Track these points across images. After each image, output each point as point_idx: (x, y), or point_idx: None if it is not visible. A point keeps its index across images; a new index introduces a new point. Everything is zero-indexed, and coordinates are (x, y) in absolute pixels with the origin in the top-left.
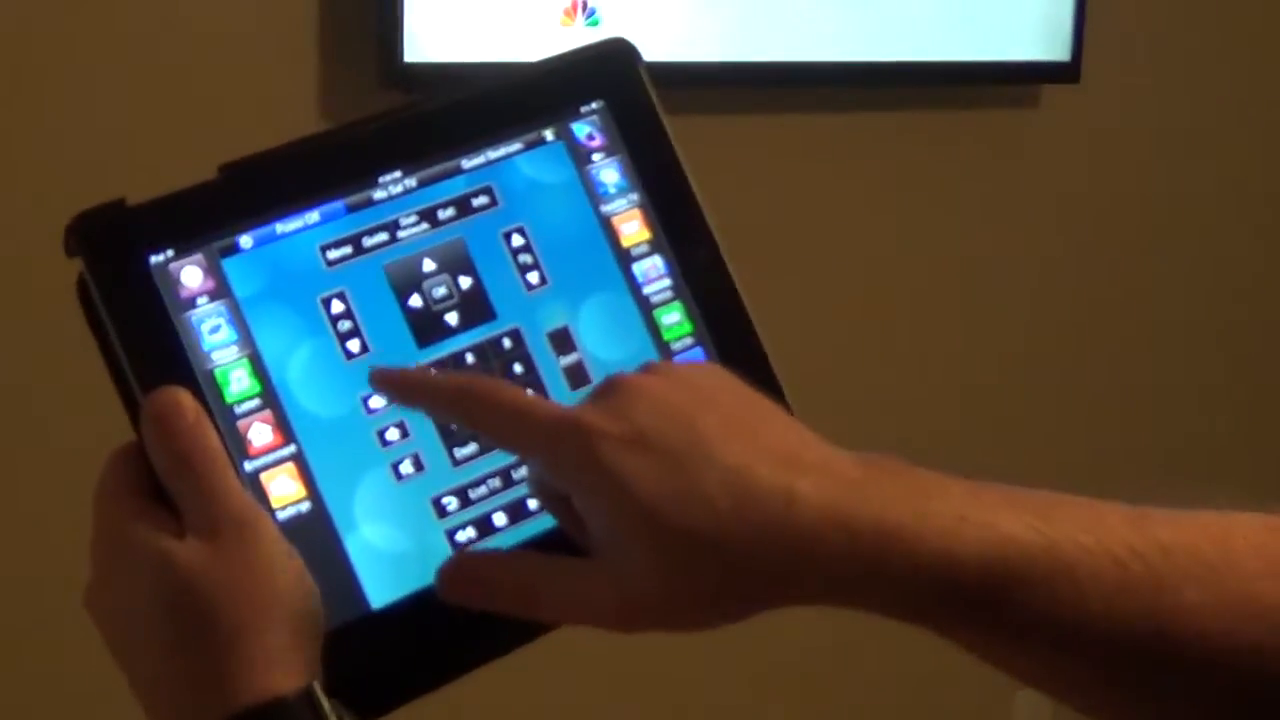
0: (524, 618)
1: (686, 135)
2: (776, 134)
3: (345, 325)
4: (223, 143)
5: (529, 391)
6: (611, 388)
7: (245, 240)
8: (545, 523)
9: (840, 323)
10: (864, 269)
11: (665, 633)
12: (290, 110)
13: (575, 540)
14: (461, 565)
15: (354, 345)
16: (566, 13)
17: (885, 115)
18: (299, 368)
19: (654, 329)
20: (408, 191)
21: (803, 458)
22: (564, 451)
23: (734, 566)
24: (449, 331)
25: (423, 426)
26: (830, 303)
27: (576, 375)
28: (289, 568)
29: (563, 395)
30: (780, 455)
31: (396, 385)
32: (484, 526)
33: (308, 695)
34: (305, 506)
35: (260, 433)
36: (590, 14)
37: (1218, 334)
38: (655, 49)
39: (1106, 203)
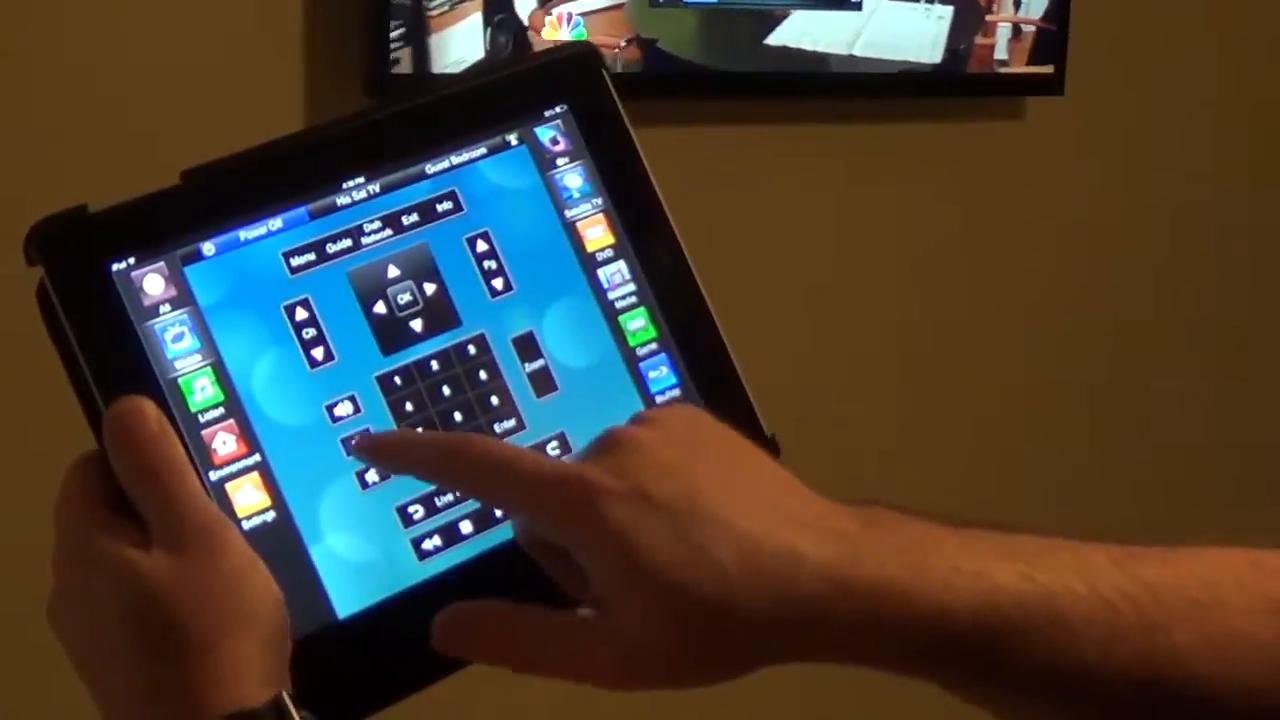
0: (520, 672)
1: (671, 145)
2: (759, 144)
3: (309, 333)
4: (208, 151)
5: (521, 446)
6: (607, 444)
7: (208, 247)
8: (511, 531)
9: (822, 333)
10: (848, 279)
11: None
12: (275, 120)
13: (567, 592)
14: (458, 617)
15: (318, 353)
16: (551, 25)
17: (871, 127)
18: (263, 376)
19: (619, 334)
20: (371, 197)
21: (801, 515)
22: (566, 508)
23: (741, 629)
24: (414, 338)
25: None
26: (813, 313)
27: (541, 381)
28: (256, 578)
29: (528, 401)
30: (780, 513)
31: (382, 452)
32: (450, 535)
33: (276, 705)
34: (270, 516)
35: (224, 442)
36: (575, 25)
37: (1206, 342)
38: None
39: (1092, 214)
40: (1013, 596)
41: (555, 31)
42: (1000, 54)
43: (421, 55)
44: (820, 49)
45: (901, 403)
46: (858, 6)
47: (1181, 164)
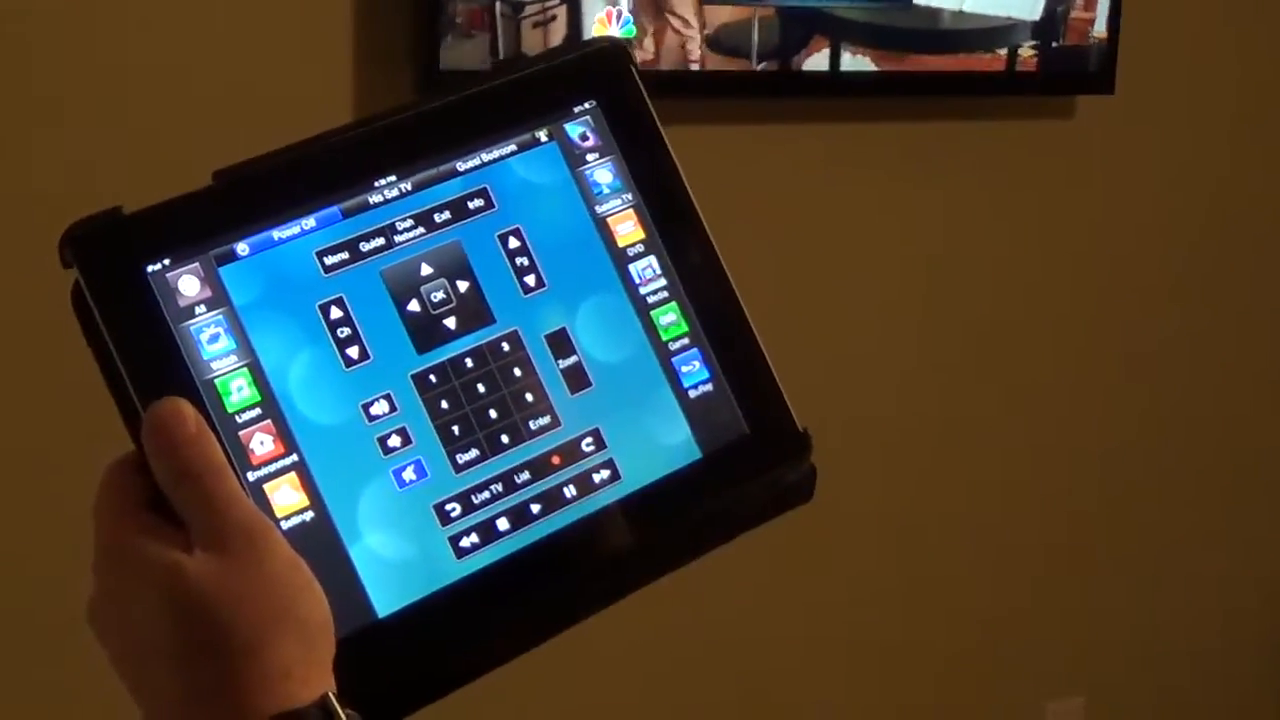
0: None
1: (723, 144)
2: (812, 142)
3: (344, 332)
4: (255, 150)
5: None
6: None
7: (242, 247)
8: (548, 528)
9: (870, 331)
10: (897, 277)
11: None
12: (326, 117)
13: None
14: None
15: (353, 352)
16: (600, 21)
17: (920, 125)
18: (299, 376)
19: (651, 329)
20: (403, 195)
21: None
22: None
23: None
24: (448, 336)
25: (424, 433)
26: (860, 311)
27: (575, 377)
28: (300, 578)
29: (562, 398)
30: None
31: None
32: (487, 532)
33: (323, 705)
34: (309, 516)
35: (262, 442)
36: (625, 23)
37: (1256, 341)
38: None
39: (1141, 212)
40: None
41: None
42: (1099, 29)
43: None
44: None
45: (947, 401)
46: (907, 3)
47: (1231, 162)
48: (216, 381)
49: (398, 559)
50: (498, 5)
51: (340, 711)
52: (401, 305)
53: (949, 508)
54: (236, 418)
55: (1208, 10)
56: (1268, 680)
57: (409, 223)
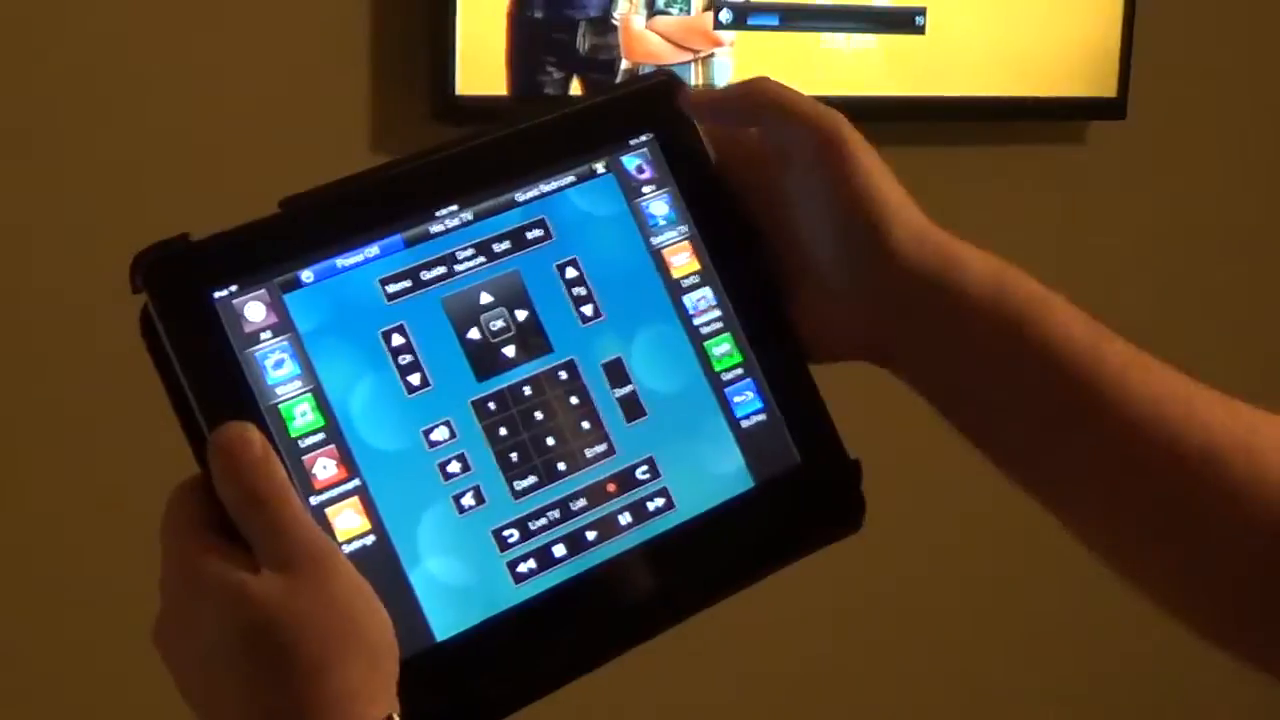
0: None
1: None
2: None
3: (405, 359)
4: (273, 176)
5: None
6: None
7: (306, 275)
8: (604, 554)
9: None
10: None
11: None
12: (342, 143)
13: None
14: None
15: (414, 379)
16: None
17: (931, 150)
18: (361, 402)
19: (705, 360)
20: (464, 225)
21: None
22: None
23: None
24: (507, 364)
25: (483, 459)
26: None
27: (631, 406)
28: (364, 601)
29: (618, 426)
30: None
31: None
32: (544, 558)
33: None
34: (370, 540)
35: (325, 467)
36: None
37: (1269, 367)
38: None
39: (1153, 238)
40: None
41: None
42: (1062, 78)
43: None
44: (885, 75)
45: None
46: (921, 30)
47: (1243, 188)
48: (281, 407)
49: (456, 584)
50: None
51: None
52: (462, 333)
53: (937, 531)
54: (300, 442)
55: (1222, 35)
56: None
57: (469, 252)
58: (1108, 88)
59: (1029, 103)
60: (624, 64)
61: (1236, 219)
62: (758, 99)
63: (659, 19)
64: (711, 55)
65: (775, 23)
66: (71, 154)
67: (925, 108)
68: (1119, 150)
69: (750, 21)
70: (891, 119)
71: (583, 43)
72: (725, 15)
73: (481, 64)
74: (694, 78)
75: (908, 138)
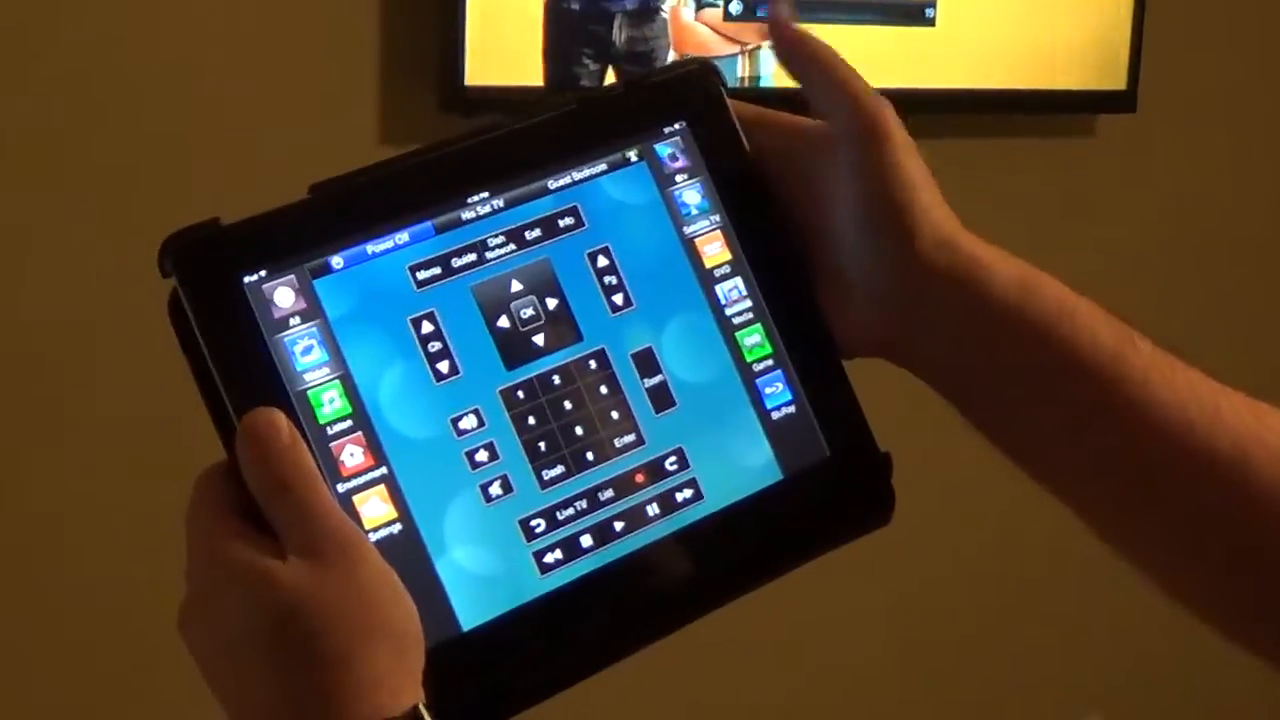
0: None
1: None
2: None
3: (435, 346)
4: (284, 165)
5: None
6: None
7: (336, 261)
8: (631, 545)
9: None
10: None
11: None
12: (351, 134)
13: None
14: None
15: (443, 366)
16: None
17: (941, 143)
18: (389, 389)
19: (735, 350)
20: (495, 212)
21: None
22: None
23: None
24: (536, 352)
25: (511, 448)
26: None
27: (660, 397)
28: (391, 588)
29: (647, 416)
30: None
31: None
32: (571, 548)
33: (414, 715)
34: (397, 528)
35: (352, 454)
36: None
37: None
38: None
39: (1164, 231)
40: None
41: None
42: (1073, 71)
43: (495, 70)
44: (895, 67)
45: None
46: (931, 22)
47: (1253, 181)
48: (309, 393)
49: (483, 573)
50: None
51: None
52: (491, 321)
53: (963, 527)
54: (328, 429)
55: (1231, 29)
56: None
57: (500, 239)
58: (1118, 80)
59: (1039, 95)
60: (671, 56)
61: (1245, 213)
62: (811, 52)
63: (706, 10)
64: (759, 48)
65: None
66: (75, 149)
67: (935, 100)
68: (1129, 143)
69: (759, 14)
70: (901, 111)
71: (619, 35)
72: (735, 7)
73: (490, 55)
74: (740, 69)
75: (917, 130)
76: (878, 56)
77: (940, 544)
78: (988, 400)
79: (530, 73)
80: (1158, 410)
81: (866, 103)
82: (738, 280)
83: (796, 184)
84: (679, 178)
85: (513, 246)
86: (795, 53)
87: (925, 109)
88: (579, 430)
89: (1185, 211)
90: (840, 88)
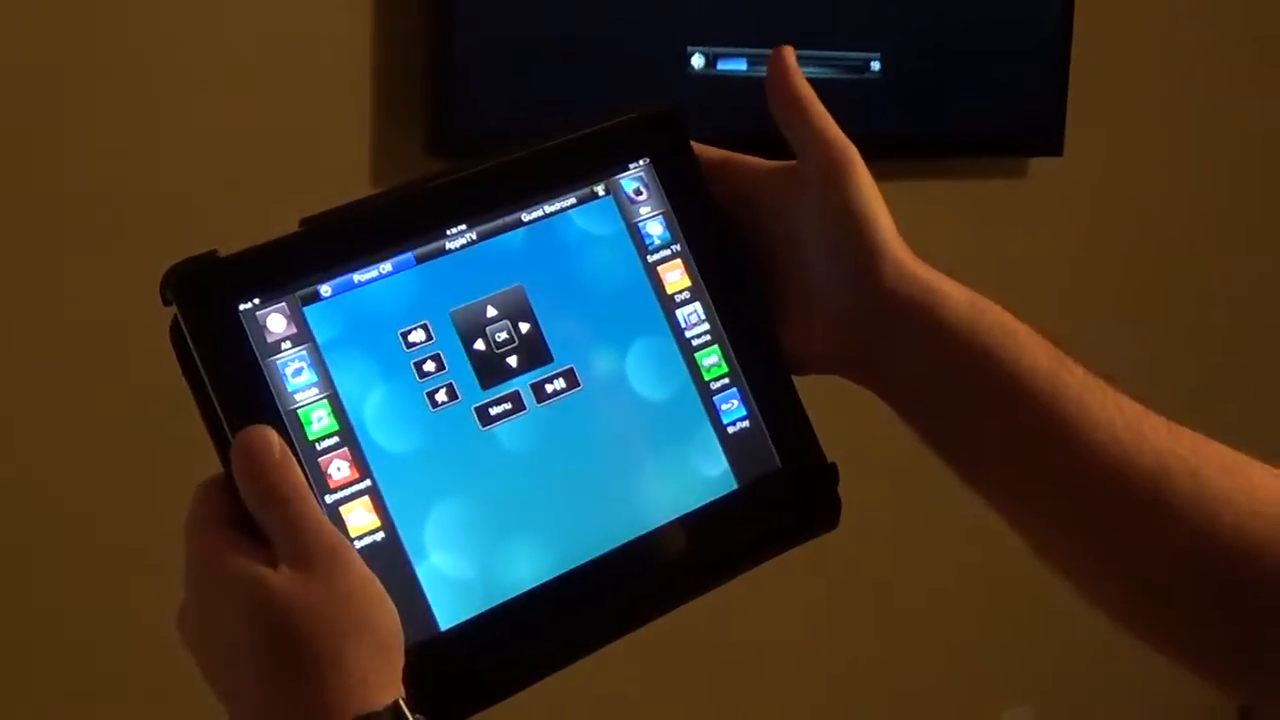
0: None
1: None
2: None
3: (416, 369)
4: (276, 206)
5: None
6: None
7: (325, 289)
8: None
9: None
10: None
11: None
12: (342, 174)
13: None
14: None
15: (424, 386)
16: None
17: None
18: (373, 407)
19: (694, 370)
20: (472, 244)
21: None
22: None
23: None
24: (510, 373)
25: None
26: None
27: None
28: (374, 592)
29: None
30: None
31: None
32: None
33: (395, 709)
34: (380, 536)
35: (339, 468)
36: None
37: (1207, 396)
38: None
39: (1093, 270)
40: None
41: None
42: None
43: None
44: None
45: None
46: (876, 74)
47: (1180, 219)
48: (299, 411)
49: (460, 577)
50: None
51: (410, 715)
52: (468, 344)
53: (897, 530)
54: (316, 445)
55: (1156, 71)
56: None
57: (477, 269)
58: (1047, 129)
59: (975, 139)
60: None
61: (1172, 249)
62: (793, 94)
63: None
64: None
65: (744, 67)
66: (73, 181)
67: (881, 143)
68: (1058, 184)
69: (719, 66)
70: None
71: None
72: (697, 60)
73: (475, 100)
74: None
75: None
76: (829, 105)
77: (877, 545)
78: (938, 415)
79: (513, 115)
80: (1091, 431)
81: (836, 140)
82: (697, 305)
83: (765, 217)
84: (643, 210)
85: (488, 275)
86: (783, 93)
87: (872, 154)
88: None
89: (1114, 249)
90: (815, 127)
